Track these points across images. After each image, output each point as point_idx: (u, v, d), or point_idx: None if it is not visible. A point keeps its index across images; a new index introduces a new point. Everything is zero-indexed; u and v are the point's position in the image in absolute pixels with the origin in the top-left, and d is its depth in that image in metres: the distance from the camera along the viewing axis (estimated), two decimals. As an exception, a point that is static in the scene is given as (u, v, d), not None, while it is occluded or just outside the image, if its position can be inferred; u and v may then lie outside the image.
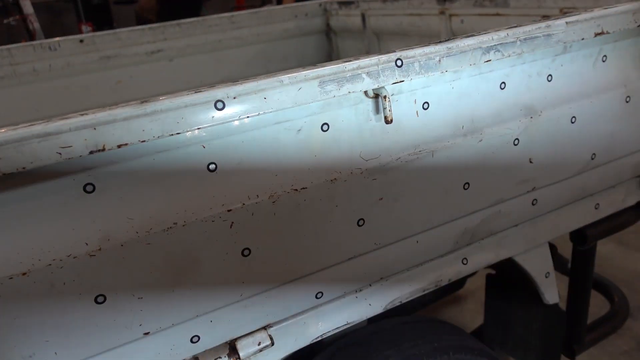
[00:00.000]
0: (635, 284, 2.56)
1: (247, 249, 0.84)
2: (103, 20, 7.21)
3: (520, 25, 0.99)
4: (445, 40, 0.92)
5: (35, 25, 6.49)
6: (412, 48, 0.89)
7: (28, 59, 2.27)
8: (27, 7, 6.56)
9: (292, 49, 2.80)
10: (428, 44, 0.91)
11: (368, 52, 2.62)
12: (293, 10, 2.77)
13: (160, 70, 2.52)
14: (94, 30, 6.62)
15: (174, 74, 2.56)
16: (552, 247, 1.63)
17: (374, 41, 2.60)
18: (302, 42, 2.83)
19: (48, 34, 6.65)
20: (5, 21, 6.68)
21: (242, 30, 2.65)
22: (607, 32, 1.08)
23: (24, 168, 0.66)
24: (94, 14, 6.99)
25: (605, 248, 2.77)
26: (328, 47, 2.90)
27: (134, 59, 2.45)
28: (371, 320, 1.17)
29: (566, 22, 1.02)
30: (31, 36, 6.52)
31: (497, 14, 1.86)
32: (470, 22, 2.00)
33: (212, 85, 0.77)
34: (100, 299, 0.75)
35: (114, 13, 7.38)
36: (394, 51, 0.88)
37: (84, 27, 6.57)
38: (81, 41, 2.35)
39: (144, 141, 0.71)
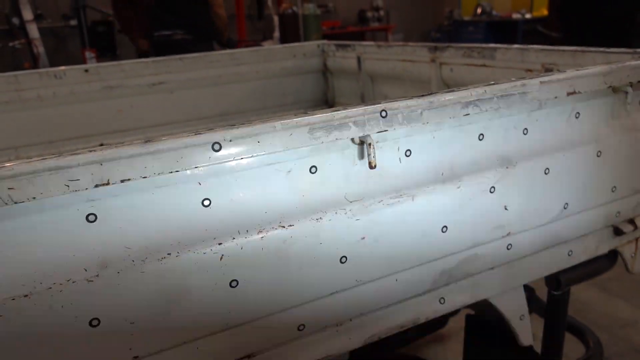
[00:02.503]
0: (616, 330, 2.61)
1: (235, 280, 0.90)
2: (106, 47, 7.35)
3: (498, 83, 1.08)
4: (427, 94, 1.01)
5: (39, 49, 6.62)
6: (396, 100, 0.97)
7: (33, 86, 2.35)
8: (33, 32, 6.70)
9: (290, 86, 2.91)
10: (411, 97, 0.99)
11: (362, 93, 2.73)
12: (292, 50, 2.88)
13: (161, 101, 2.61)
14: (97, 56, 6.75)
15: (174, 106, 2.65)
16: (530, 290, 1.69)
17: (368, 83, 2.71)
18: (300, 80, 2.94)
19: (51, 58, 6.77)
20: (10, 44, 6.81)
21: (242, 67, 2.75)
22: (579, 92, 1.17)
23: (34, 198, 0.72)
24: (97, 41, 7.13)
25: (586, 294, 2.83)
26: (324, 85, 3.01)
27: (136, 90, 2.54)
28: (353, 354, 1.21)
29: (540, 82, 1.11)
30: (35, 60, 6.64)
31: (484, 65, 1.97)
32: (458, 71, 2.11)
33: (210, 127, 0.84)
34: (94, 323, 0.80)
35: (118, 41, 7.53)
36: (380, 102, 0.96)
37: (87, 53, 6.69)
38: (86, 71, 2.44)
39: (145, 177, 0.78)
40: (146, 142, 0.78)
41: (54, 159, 0.72)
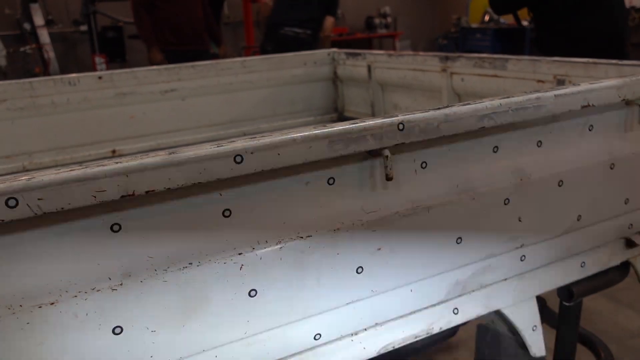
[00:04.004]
0: (625, 340, 2.60)
1: (254, 290, 0.91)
2: (116, 53, 7.42)
3: (513, 96, 1.09)
4: (444, 107, 1.02)
5: (50, 54, 6.70)
6: (413, 113, 0.98)
7: (48, 92, 2.38)
8: (44, 37, 6.78)
9: (300, 94, 2.93)
10: (428, 110, 1.00)
11: (372, 102, 2.75)
12: (302, 58, 2.90)
13: (172, 108, 2.64)
14: (107, 61, 6.81)
15: (185, 113, 2.67)
16: (541, 301, 1.68)
17: (379, 91, 2.73)
18: (310, 88, 2.95)
19: (62, 63, 6.85)
20: (21, 49, 6.88)
21: (253, 75, 2.77)
22: (593, 105, 1.18)
23: (62, 208, 0.73)
24: (107, 46, 7.20)
25: (596, 304, 2.82)
26: (334, 93, 3.03)
27: (148, 97, 2.56)
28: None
29: (555, 95, 1.12)
30: (45, 65, 6.72)
31: (495, 76, 1.98)
32: (469, 81, 2.12)
33: (232, 140, 0.86)
34: (117, 330, 0.82)
35: (127, 46, 7.59)
36: (397, 115, 0.97)
37: (97, 59, 6.75)
38: (100, 78, 2.47)
39: (169, 188, 0.79)
40: (170, 153, 0.80)
41: (82, 170, 0.74)
